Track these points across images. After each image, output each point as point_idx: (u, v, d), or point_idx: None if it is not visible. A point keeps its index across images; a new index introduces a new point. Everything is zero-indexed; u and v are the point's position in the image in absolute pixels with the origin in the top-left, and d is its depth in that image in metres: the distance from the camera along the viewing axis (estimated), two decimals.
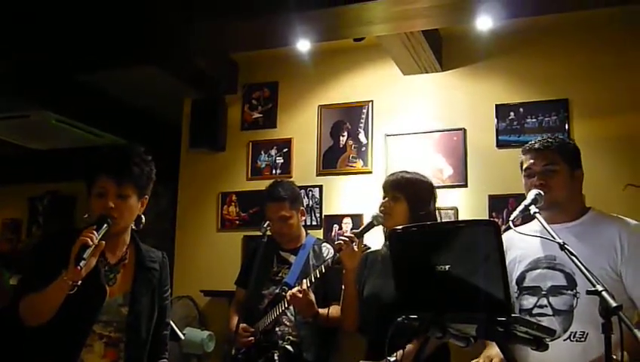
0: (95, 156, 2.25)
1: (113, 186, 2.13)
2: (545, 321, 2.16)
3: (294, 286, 3.18)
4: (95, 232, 2.00)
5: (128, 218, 2.21)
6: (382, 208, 2.80)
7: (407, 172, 2.90)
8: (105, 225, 2.06)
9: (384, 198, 2.83)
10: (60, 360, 2.09)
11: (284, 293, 3.26)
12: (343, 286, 2.84)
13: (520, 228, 2.25)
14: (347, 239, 2.73)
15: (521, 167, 2.41)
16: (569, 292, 2.21)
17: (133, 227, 2.29)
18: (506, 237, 2.37)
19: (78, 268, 1.91)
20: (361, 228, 2.82)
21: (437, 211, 2.98)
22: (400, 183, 2.81)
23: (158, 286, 2.32)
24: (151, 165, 2.26)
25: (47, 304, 2.01)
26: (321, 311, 3.16)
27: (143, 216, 2.28)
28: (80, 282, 1.96)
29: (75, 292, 1.96)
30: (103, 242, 2.02)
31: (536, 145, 2.36)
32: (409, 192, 2.78)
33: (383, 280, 2.73)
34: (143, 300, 2.24)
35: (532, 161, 2.34)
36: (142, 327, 2.21)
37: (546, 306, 2.24)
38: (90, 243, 1.95)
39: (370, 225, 2.80)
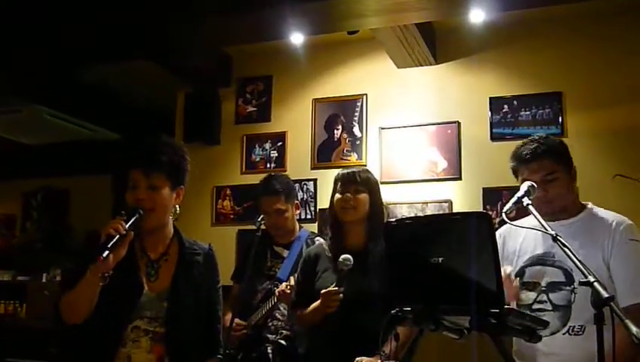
0: (127, 151, 2.25)
1: (143, 178, 2.11)
2: (545, 316, 2.16)
3: (286, 281, 3.18)
4: (123, 223, 1.99)
5: (162, 210, 2.17)
6: (345, 201, 2.76)
7: (358, 168, 2.90)
8: (136, 215, 2.05)
9: (343, 193, 2.78)
10: (98, 356, 2.07)
11: (275, 288, 3.26)
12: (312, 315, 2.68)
13: (517, 222, 2.24)
14: (332, 293, 2.56)
15: (515, 173, 2.34)
16: (567, 288, 2.23)
17: (172, 219, 2.27)
18: (505, 228, 2.37)
19: (101, 258, 1.89)
20: (337, 279, 2.69)
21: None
22: (360, 177, 2.80)
23: (202, 281, 2.27)
24: (181, 154, 2.23)
25: (82, 300, 2.00)
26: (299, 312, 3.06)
27: (177, 207, 2.27)
28: (112, 274, 1.95)
29: (112, 289, 1.96)
30: (132, 232, 2.01)
31: (528, 156, 2.27)
32: (369, 185, 2.79)
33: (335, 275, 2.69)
34: (185, 295, 2.19)
35: (528, 172, 2.26)
36: (183, 323, 2.17)
37: (546, 302, 2.26)
38: (114, 233, 1.94)
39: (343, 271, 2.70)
